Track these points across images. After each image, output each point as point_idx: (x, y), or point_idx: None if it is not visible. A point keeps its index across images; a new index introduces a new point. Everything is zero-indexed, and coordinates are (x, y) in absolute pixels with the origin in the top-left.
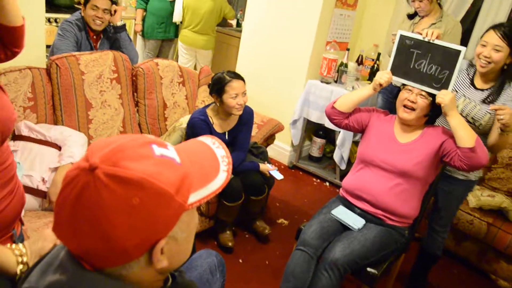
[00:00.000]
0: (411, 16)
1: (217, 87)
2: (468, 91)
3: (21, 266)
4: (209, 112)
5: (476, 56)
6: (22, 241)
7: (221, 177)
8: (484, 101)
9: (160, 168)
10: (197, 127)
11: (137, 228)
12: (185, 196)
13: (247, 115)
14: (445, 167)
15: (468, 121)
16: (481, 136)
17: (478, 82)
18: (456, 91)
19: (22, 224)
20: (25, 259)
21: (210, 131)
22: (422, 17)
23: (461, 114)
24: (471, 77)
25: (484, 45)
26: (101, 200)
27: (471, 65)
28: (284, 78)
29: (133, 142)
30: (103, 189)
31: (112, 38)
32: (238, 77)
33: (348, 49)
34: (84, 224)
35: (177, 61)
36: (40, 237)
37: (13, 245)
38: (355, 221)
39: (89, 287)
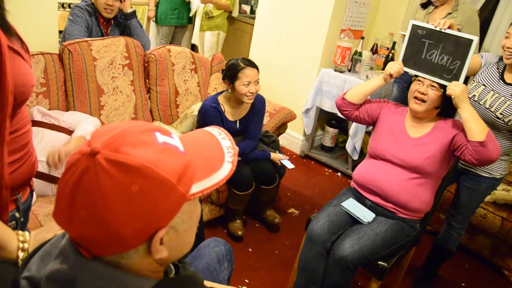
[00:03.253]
0: (424, 5)
1: (230, 73)
2: (497, 85)
3: (21, 254)
4: (220, 99)
5: (502, 48)
6: (28, 208)
7: (226, 168)
8: None
9: (162, 155)
10: (209, 114)
11: (135, 216)
12: (187, 186)
13: (259, 104)
14: (458, 161)
15: (496, 117)
16: (509, 133)
17: (508, 77)
18: (485, 86)
19: (32, 190)
20: (26, 245)
21: (222, 119)
22: (437, 6)
23: (488, 109)
24: (500, 71)
25: (507, 37)
26: (101, 185)
27: (502, 59)
28: (297, 66)
29: (136, 129)
30: (103, 174)
31: (122, 24)
32: (252, 65)
33: (362, 38)
34: (83, 209)
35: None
36: (45, 228)
37: (20, 232)
38: (365, 215)
39: (90, 276)
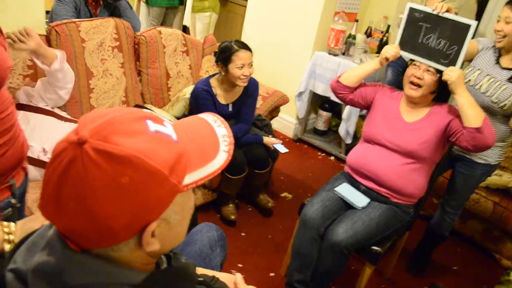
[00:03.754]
0: None
1: (224, 55)
2: (493, 70)
3: (8, 246)
4: (213, 82)
5: (494, 32)
6: (23, 192)
7: (221, 158)
8: (510, 80)
9: (154, 145)
10: (201, 97)
11: (125, 208)
12: (180, 177)
13: (252, 87)
14: (452, 146)
15: (492, 102)
16: (505, 118)
17: (504, 61)
18: (480, 70)
19: (26, 173)
20: (12, 237)
21: (214, 102)
22: None
23: (484, 94)
24: (496, 56)
25: (499, 20)
26: (88, 176)
27: None
28: (290, 49)
29: (126, 116)
30: (91, 165)
31: (111, 6)
32: (246, 47)
33: (356, 21)
34: (70, 202)
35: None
36: (32, 218)
37: (4, 223)
38: (359, 200)
39: (79, 269)
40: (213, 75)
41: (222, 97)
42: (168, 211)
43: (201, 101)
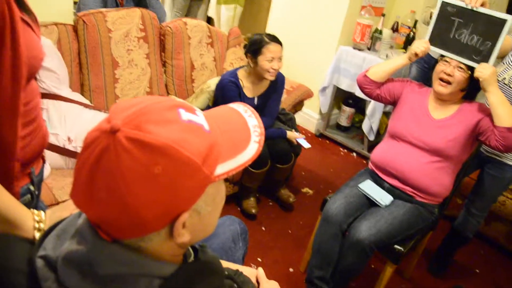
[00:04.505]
0: None
1: (254, 47)
2: None
3: (38, 234)
4: (240, 74)
5: None
6: (41, 180)
7: (252, 148)
8: None
9: (187, 135)
10: (227, 89)
11: (157, 199)
12: (212, 167)
13: (279, 82)
14: (480, 146)
15: None
16: None
17: None
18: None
19: (44, 162)
20: (42, 225)
21: (240, 94)
22: None
23: None
24: None
25: None
26: (121, 166)
27: None
28: (315, 43)
29: (159, 105)
30: (124, 154)
31: None
32: (277, 41)
33: (383, 15)
34: (102, 191)
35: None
36: (61, 207)
37: (35, 211)
38: (383, 197)
39: (109, 259)
40: (241, 67)
41: (248, 90)
42: (199, 202)
43: (227, 92)
